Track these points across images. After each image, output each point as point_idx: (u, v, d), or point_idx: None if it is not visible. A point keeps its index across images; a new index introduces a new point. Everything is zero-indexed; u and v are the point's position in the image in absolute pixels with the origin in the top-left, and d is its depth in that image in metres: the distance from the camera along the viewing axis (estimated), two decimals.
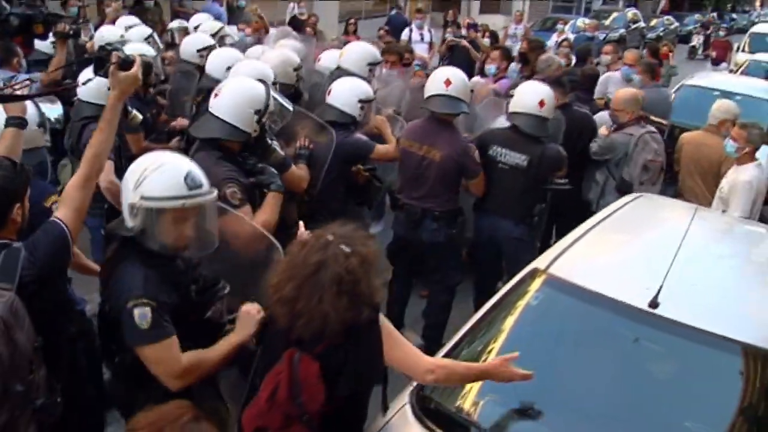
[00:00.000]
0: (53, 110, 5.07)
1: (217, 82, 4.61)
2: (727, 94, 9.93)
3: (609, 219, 4.29)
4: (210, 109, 3.88)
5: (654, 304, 3.19)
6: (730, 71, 16.93)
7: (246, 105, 3.82)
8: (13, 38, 5.37)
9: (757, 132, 5.58)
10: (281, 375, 2.53)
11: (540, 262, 3.73)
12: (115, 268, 2.81)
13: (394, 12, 18.40)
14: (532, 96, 5.15)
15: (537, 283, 3.57)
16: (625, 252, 4.01)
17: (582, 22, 22.24)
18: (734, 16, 50.59)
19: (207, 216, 2.87)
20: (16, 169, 2.82)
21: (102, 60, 2.95)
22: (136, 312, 2.63)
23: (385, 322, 2.71)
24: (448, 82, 4.96)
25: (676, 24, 33.48)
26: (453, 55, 11.04)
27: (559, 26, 20.19)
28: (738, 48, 20.24)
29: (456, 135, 5.06)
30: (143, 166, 2.76)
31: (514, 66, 8.66)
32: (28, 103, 3.68)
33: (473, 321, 3.54)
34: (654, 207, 4.90)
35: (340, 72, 5.64)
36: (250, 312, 2.91)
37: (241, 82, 4.04)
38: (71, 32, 5.79)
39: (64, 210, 2.77)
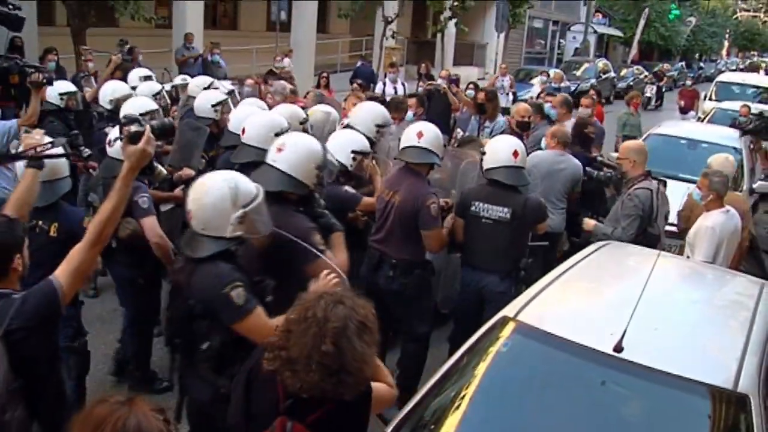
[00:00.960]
0: None
1: (237, 136, 5.19)
2: (693, 143, 10.44)
3: (576, 266, 4.39)
4: (273, 162, 4.03)
5: (619, 348, 3.28)
6: (698, 119, 17.34)
7: (309, 160, 4.01)
8: None
9: (719, 180, 5.76)
10: None
11: (509, 310, 3.81)
12: (195, 272, 3.32)
13: (360, 64, 18.71)
14: (505, 148, 5.24)
15: (507, 330, 3.65)
16: (591, 298, 4.14)
17: (553, 72, 22.73)
18: (702, 65, 51.94)
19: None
20: (13, 223, 3.00)
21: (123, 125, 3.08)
22: (233, 294, 3.20)
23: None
24: (420, 134, 5.11)
25: (646, 73, 34.20)
26: (431, 103, 11.13)
27: (542, 77, 20.67)
28: (705, 96, 20.70)
29: (419, 183, 5.11)
30: (222, 190, 3.32)
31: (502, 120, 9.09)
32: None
33: (445, 368, 3.61)
34: (619, 254, 5.00)
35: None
36: (325, 279, 3.31)
37: (303, 139, 4.26)
38: (44, 81, 5.89)
39: (63, 268, 2.89)
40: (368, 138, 5.47)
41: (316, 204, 4.17)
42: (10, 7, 5.67)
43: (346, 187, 5.09)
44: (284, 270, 3.62)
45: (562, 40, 44.25)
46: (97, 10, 13.23)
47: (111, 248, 4.88)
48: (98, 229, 2.92)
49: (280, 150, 4.05)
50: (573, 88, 23.10)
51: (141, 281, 5.12)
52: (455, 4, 22.72)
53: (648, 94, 27.03)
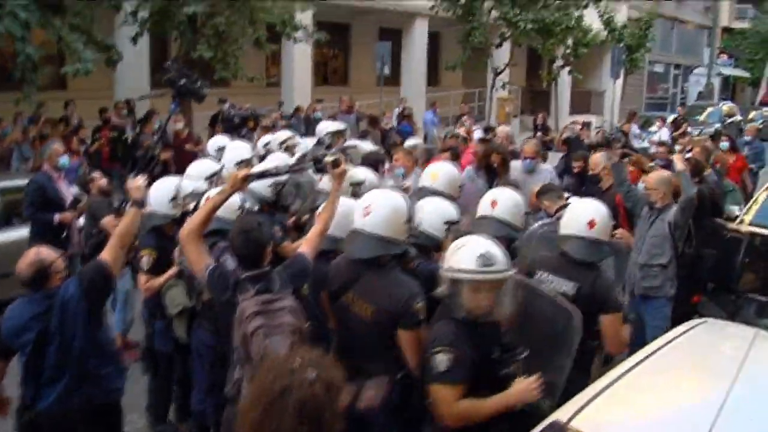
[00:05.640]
0: None
1: None
2: None
3: (653, 356, 3.75)
4: (362, 228, 3.92)
5: None
6: None
7: (399, 217, 3.92)
8: None
9: None
10: None
11: (562, 413, 3.21)
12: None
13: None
14: (581, 215, 4.59)
15: None
16: (667, 399, 3.37)
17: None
18: None
19: (499, 289, 3.42)
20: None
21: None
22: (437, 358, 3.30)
23: None
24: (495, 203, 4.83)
25: None
26: (570, 149, 10.79)
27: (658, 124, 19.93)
28: None
29: None
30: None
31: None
32: None
33: None
34: (711, 336, 4.21)
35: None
36: (527, 385, 3.33)
37: (386, 195, 4.08)
38: None
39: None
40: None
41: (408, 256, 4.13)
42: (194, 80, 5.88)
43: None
44: None
45: (685, 84, 42.81)
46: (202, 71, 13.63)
47: (194, 311, 4.94)
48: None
49: (367, 213, 3.91)
50: (696, 134, 22.08)
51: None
52: (567, 51, 22.27)
53: None
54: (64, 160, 7.94)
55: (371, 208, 3.92)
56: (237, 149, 6.64)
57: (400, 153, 7.34)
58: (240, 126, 10.37)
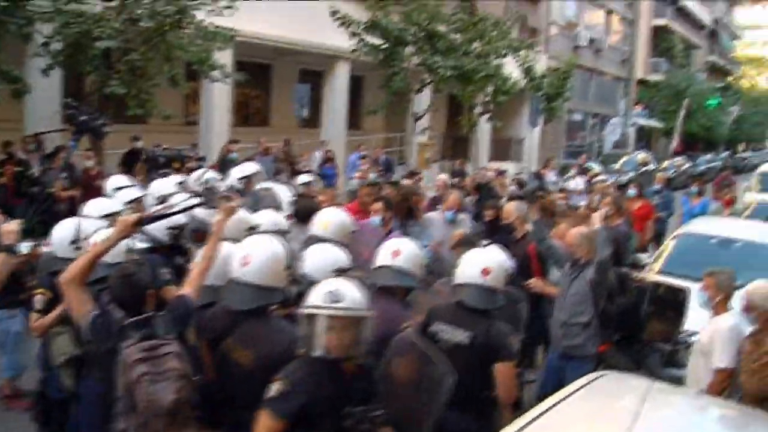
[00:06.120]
0: None
1: None
2: (726, 242, 9.11)
3: (550, 412, 3.56)
4: (241, 278, 3.99)
5: None
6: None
7: (278, 264, 4.08)
8: None
9: (726, 277, 5.26)
10: None
11: None
12: None
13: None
14: (475, 263, 4.55)
15: None
16: None
17: (590, 166, 22.38)
18: (745, 154, 50.98)
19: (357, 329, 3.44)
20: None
21: None
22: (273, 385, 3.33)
23: None
24: (396, 253, 4.71)
25: (688, 164, 33.66)
26: (482, 195, 10.88)
27: (572, 171, 20.23)
28: (745, 188, 19.76)
29: (393, 306, 4.55)
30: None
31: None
32: None
33: None
34: (608, 392, 4.04)
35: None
36: None
37: (264, 243, 4.20)
38: None
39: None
40: None
41: None
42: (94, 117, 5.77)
43: None
44: None
45: (602, 133, 44.03)
46: (116, 107, 13.35)
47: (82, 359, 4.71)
48: None
49: (246, 263, 3.99)
50: (610, 181, 22.58)
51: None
52: (487, 99, 22.63)
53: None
54: None
55: (250, 258, 3.96)
56: (129, 189, 6.52)
57: (326, 195, 7.33)
58: (164, 166, 10.12)
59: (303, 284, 4.25)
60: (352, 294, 3.44)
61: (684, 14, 50.97)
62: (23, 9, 11.35)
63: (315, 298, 3.43)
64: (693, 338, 5.89)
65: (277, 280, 4.00)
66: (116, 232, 4.00)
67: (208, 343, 4.01)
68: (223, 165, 13.08)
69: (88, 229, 5.14)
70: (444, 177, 11.70)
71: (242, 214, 5.43)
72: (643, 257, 9.59)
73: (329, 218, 5.64)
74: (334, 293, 3.39)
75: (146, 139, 15.07)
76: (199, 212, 5.41)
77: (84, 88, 14.42)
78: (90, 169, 11.95)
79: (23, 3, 11.37)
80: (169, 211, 4.70)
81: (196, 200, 5.03)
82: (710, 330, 5.25)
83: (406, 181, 10.83)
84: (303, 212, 6.38)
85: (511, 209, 7.41)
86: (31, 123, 13.97)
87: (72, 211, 9.30)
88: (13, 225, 4.18)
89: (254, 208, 6.06)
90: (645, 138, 47.17)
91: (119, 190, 6.77)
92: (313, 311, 3.38)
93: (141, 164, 12.09)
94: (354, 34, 18.22)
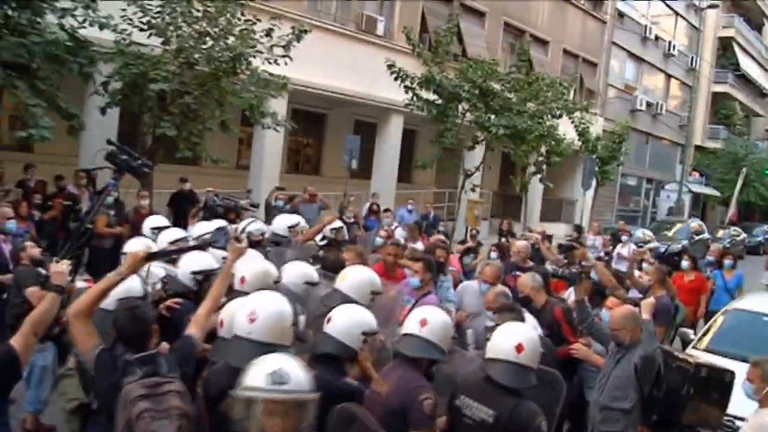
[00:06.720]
0: None
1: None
2: None
3: None
4: (246, 335, 3.88)
5: None
6: None
7: (284, 321, 3.97)
8: None
9: None
10: None
11: None
12: None
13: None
14: (508, 339, 4.32)
15: None
16: None
17: (642, 233, 21.92)
18: None
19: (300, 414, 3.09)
20: None
21: None
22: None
23: None
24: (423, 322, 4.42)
25: (744, 235, 32.88)
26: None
27: (624, 237, 19.76)
28: None
29: (414, 375, 4.31)
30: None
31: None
32: None
33: None
34: None
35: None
36: None
37: (270, 300, 4.08)
38: None
39: None
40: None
41: None
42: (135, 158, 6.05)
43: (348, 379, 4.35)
44: None
45: (656, 199, 43.39)
46: (167, 148, 13.54)
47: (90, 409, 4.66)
48: None
49: (252, 320, 3.87)
50: (662, 249, 22.10)
51: None
52: (540, 159, 22.45)
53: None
54: (11, 224, 7.93)
55: (256, 314, 3.87)
56: (172, 230, 6.57)
57: (351, 253, 7.05)
58: (222, 216, 10.14)
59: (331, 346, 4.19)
60: (296, 375, 3.10)
61: (745, 81, 50.30)
62: (87, 49, 11.64)
63: (255, 379, 3.07)
64: (738, 423, 5.59)
65: (283, 337, 3.89)
66: (126, 266, 4.03)
67: (206, 400, 3.94)
68: (268, 211, 13.11)
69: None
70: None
71: (268, 267, 5.38)
72: (689, 332, 9.25)
73: (355, 276, 5.46)
74: (278, 374, 3.04)
75: (196, 181, 15.23)
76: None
77: (139, 127, 14.67)
78: (141, 208, 12.06)
79: (87, 43, 11.66)
80: (174, 248, 4.72)
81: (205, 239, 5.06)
82: (755, 424, 4.95)
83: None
84: (331, 266, 6.33)
85: (524, 282, 7.03)
86: (85, 159, 14.24)
87: (117, 247, 9.42)
88: (63, 266, 4.12)
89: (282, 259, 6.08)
90: (700, 206, 46.30)
91: (156, 231, 6.84)
92: (253, 394, 3.02)
93: (197, 209, 12.16)
94: (408, 88, 18.24)
